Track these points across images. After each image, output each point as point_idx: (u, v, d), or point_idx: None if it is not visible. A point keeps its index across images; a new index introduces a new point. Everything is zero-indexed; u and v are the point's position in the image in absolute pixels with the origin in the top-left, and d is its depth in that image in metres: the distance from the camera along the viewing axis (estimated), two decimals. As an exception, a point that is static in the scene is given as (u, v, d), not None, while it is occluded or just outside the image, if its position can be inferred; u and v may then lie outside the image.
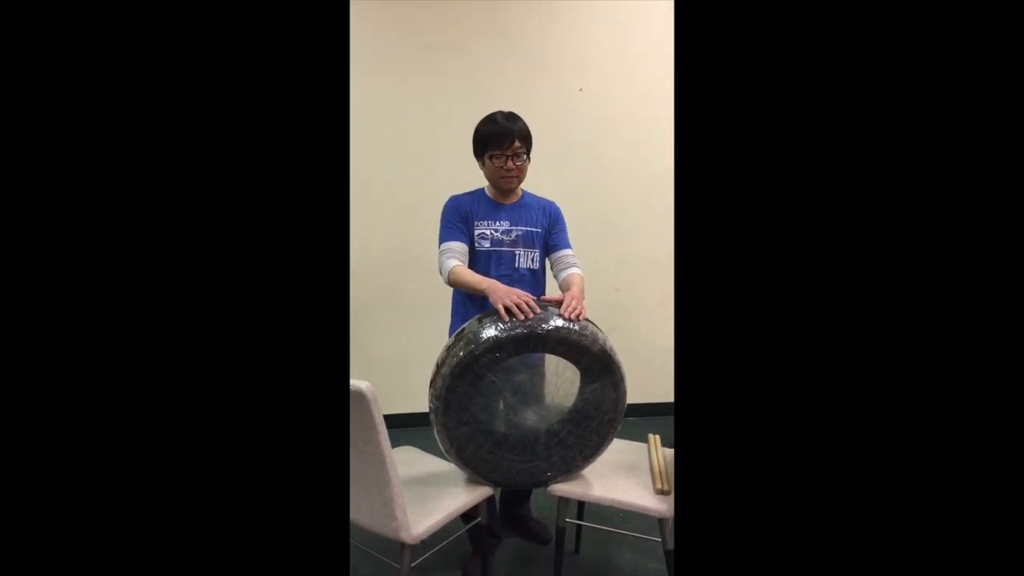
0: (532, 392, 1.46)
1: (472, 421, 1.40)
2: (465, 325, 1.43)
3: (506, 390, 1.44)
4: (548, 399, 1.47)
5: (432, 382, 1.40)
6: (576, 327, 1.36)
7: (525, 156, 1.65)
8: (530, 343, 1.35)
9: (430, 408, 1.39)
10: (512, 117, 1.64)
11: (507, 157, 1.62)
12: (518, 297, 1.37)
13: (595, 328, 1.41)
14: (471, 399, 1.37)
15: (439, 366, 1.39)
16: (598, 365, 1.40)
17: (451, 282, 1.60)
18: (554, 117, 2.84)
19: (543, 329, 1.33)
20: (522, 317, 1.34)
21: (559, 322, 1.35)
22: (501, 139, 1.60)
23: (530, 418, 1.46)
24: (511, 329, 1.33)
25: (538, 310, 1.36)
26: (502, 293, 1.41)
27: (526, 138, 1.64)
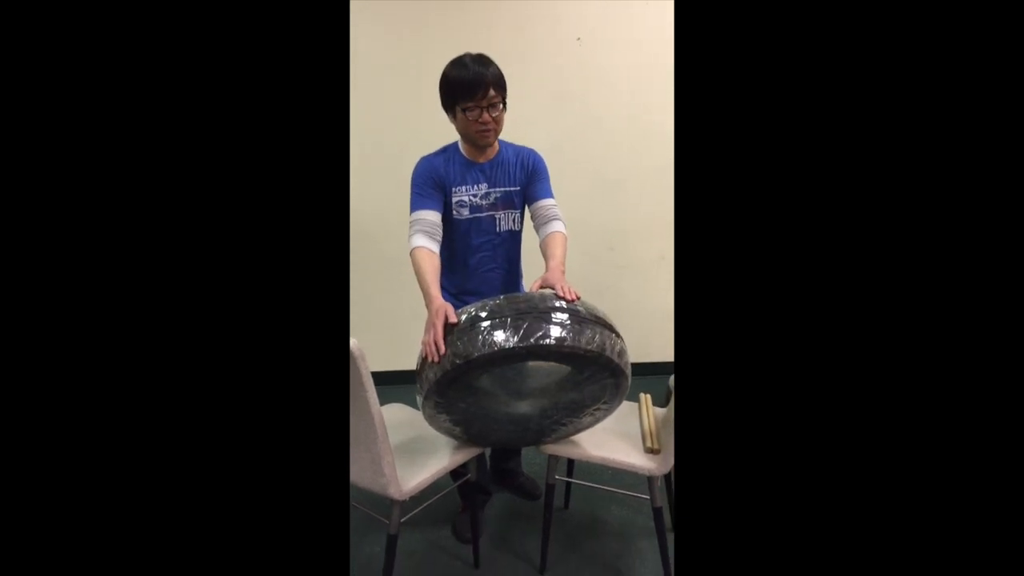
0: (525, 386, 1.33)
1: (462, 413, 1.33)
2: (458, 325, 1.23)
3: (498, 391, 1.31)
4: (537, 368, 1.34)
5: (418, 372, 1.28)
6: (582, 340, 1.18)
7: (501, 105, 1.46)
8: (528, 358, 1.20)
9: (417, 399, 1.32)
10: (483, 60, 1.43)
11: (481, 109, 1.43)
12: (435, 334, 1.22)
13: (603, 332, 1.22)
14: (461, 399, 1.28)
15: (424, 362, 1.26)
16: (604, 372, 1.25)
17: (412, 261, 1.46)
18: (549, 67, 2.74)
19: (544, 347, 1.16)
20: (433, 359, 1.20)
21: (564, 333, 1.17)
22: (473, 88, 1.40)
23: (523, 408, 1.37)
24: (507, 344, 1.16)
25: (444, 351, 1.19)
26: (426, 327, 1.26)
27: (501, 85, 1.44)
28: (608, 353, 1.20)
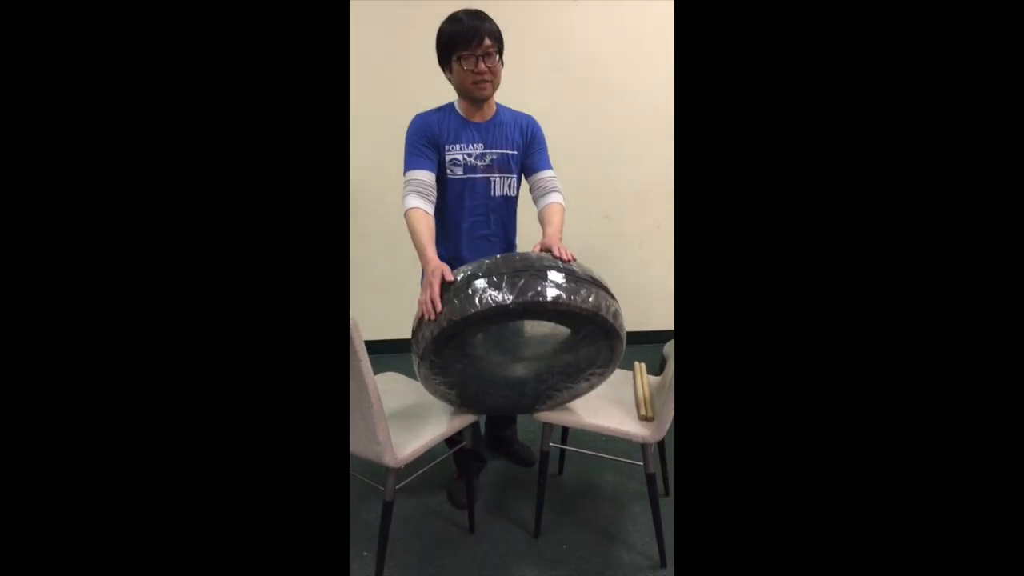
0: (520, 349, 1.34)
1: (458, 374, 1.33)
2: (454, 284, 1.22)
3: (493, 353, 1.32)
4: (533, 330, 1.37)
5: (414, 334, 1.28)
6: (578, 299, 1.17)
7: (498, 57, 1.45)
8: (525, 316, 1.20)
9: (413, 361, 1.32)
10: (478, 14, 1.43)
11: (477, 58, 1.41)
12: (431, 293, 1.21)
13: (599, 292, 1.22)
14: (457, 360, 1.28)
15: (420, 322, 1.25)
16: (599, 332, 1.25)
17: (407, 223, 1.45)
18: (545, 30, 2.67)
19: (540, 304, 1.16)
20: (429, 317, 1.20)
21: (559, 292, 1.17)
22: (468, 37, 1.39)
23: (518, 371, 1.37)
24: (503, 301, 1.15)
25: (440, 308, 1.19)
26: (423, 286, 1.25)
27: (497, 37, 1.43)
28: (603, 313, 1.20)
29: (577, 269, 1.25)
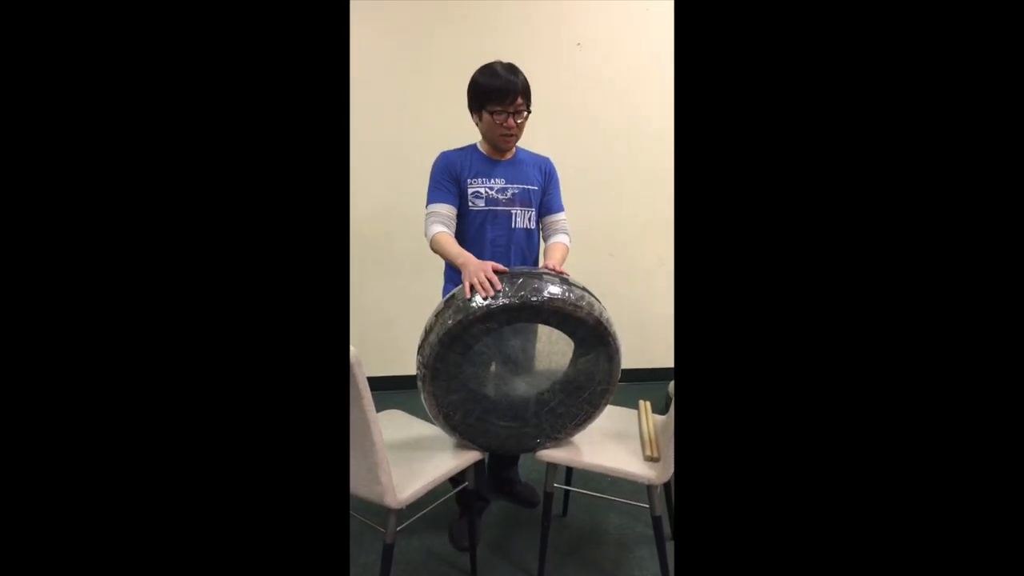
0: (523, 361, 1.41)
1: (461, 389, 1.36)
2: (455, 291, 1.36)
3: (496, 360, 1.39)
4: (540, 366, 1.43)
5: (420, 348, 1.34)
6: (572, 296, 1.29)
7: (526, 113, 1.54)
8: (523, 314, 1.29)
9: (418, 374, 1.35)
10: (512, 69, 1.52)
11: (508, 115, 1.51)
12: (485, 274, 1.29)
13: (592, 298, 1.35)
14: (460, 368, 1.33)
15: (427, 332, 1.33)
16: (593, 337, 1.34)
17: (433, 249, 1.53)
18: (549, 71, 2.73)
19: (536, 300, 1.26)
20: (483, 295, 1.27)
21: (554, 291, 1.28)
22: (503, 95, 1.48)
23: (520, 388, 1.42)
24: (503, 299, 1.26)
25: (500, 287, 1.28)
26: (473, 269, 1.32)
27: (527, 93, 1.53)
28: (596, 314, 1.31)
29: (570, 279, 1.37)
